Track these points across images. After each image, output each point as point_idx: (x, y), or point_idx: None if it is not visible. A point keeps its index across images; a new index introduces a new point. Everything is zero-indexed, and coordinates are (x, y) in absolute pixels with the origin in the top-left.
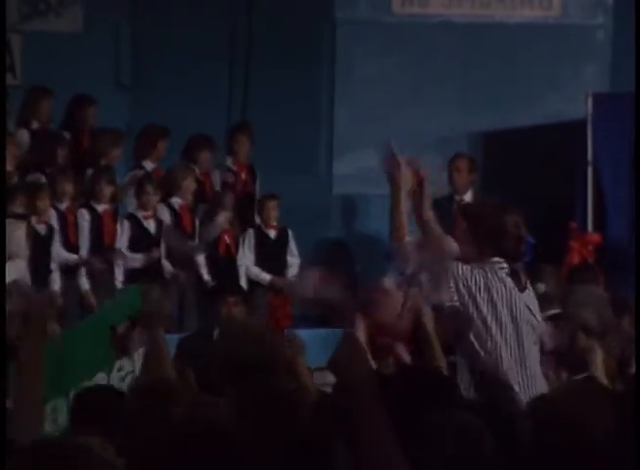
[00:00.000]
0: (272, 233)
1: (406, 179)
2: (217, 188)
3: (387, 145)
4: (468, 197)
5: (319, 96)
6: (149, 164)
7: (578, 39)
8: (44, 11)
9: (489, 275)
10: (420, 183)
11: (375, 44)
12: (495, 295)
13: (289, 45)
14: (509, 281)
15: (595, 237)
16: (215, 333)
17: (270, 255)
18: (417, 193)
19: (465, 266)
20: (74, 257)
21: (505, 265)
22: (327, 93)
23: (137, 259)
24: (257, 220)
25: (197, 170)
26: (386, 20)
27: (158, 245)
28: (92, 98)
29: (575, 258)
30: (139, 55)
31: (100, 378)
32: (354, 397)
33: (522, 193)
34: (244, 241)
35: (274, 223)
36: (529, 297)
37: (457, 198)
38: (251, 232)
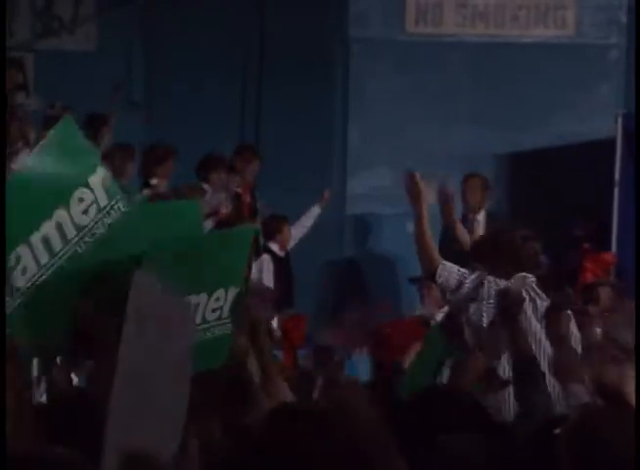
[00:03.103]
0: (283, 254)
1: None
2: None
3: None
4: (481, 216)
5: (332, 114)
6: (156, 183)
7: (592, 59)
8: (57, 30)
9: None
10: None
11: (388, 63)
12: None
13: (302, 63)
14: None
15: (609, 257)
16: None
17: (284, 275)
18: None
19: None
20: None
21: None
22: (340, 111)
23: None
24: (261, 241)
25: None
26: (399, 38)
27: None
28: (106, 116)
29: (589, 279)
30: (151, 73)
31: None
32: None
33: (535, 212)
34: (261, 266)
35: (286, 245)
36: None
37: (470, 217)
38: (267, 258)
